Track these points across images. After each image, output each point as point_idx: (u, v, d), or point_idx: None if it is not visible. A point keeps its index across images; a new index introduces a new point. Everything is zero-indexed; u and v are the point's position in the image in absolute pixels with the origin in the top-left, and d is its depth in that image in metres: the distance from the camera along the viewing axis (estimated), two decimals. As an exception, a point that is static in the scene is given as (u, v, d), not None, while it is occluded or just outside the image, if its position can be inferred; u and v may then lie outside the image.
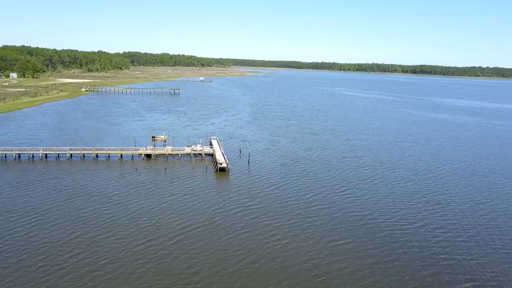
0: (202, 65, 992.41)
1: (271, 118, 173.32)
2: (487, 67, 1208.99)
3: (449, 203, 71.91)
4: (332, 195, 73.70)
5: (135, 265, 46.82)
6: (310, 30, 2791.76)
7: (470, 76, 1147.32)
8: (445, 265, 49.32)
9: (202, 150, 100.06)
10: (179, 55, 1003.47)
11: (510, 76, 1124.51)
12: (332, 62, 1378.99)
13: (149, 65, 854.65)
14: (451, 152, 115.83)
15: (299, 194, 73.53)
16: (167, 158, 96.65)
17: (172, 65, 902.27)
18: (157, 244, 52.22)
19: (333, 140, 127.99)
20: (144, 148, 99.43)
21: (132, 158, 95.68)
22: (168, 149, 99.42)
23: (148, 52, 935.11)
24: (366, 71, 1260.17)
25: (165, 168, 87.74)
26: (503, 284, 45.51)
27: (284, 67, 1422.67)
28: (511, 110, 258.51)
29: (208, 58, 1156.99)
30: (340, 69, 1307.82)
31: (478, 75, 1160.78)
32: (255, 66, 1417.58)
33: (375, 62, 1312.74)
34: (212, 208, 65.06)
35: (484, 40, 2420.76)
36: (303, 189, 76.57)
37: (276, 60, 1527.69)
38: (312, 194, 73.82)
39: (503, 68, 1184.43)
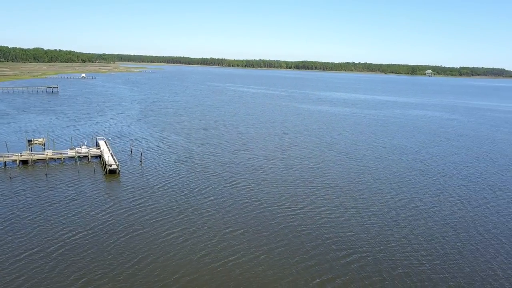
0: (83, 61, 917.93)
1: (162, 115, 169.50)
2: (359, 63, 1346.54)
3: (331, 186, 79.35)
4: (226, 187, 75.60)
5: (8, 282, 42.37)
6: (198, 26, 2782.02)
7: (345, 71, 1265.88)
8: (330, 242, 54.61)
9: (88, 152, 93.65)
10: (55, 50, 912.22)
11: (377, 71, 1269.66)
12: (221, 58, 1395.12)
13: (19, 61, 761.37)
14: (331, 140, 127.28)
15: (193, 189, 73.86)
16: (47, 163, 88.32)
17: (48, 61, 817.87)
18: (37, 256, 47.88)
19: (225, 134, 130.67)
20: (19, 154, 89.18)
21: (5, 166, 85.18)
22: (48, 153, 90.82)
23: (18, 46, 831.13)
24: (253, 67, 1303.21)
25: (46, 174, 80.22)
26: (378, 253, 52.22)
27: (173, 63, 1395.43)
28: (378, 100, 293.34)
29: (89, 53, 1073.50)
30: (229, 65, 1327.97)
31: (352, 70, 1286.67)
32: (143, 62, 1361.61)
33: (261, 58, 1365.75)
34: (102, 212, 61.76)
35: (356, 38, 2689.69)
36: (198, 184, 77.09)
37: (165, 56, 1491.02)
38: (207, 188, 74.78)
39: (371, 64, 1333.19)
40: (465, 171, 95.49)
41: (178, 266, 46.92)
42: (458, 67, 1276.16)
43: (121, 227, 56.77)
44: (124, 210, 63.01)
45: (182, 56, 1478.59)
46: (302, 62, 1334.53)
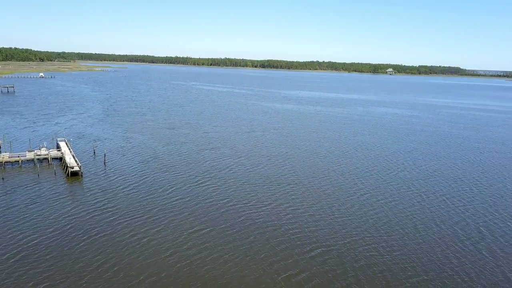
0: (42, 60, 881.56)
1: (126, 115, 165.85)
2: (323, 62, 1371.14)
3: (297, 182, 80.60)
4: (192, 187, 75.20)
5: (-31, 292, 40.51)
6: (162, 24, 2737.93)
7: (310, 69, 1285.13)
8: (295, 238, 55.57)
9: (48, 154, 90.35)
10: (10, 48, 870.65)
11: (341, 69, 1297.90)
12: (186, 56, 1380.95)
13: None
14: (296, 138, 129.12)
15: (159, 190, 72.97)
16: (3, 167, 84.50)
17: (3, 60, 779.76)
18: (-4, 263, 45.96)
19: (191, 133, 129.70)
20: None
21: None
22: (4, 156, 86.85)
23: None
24: (219, 65, 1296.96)
25: (2, 178, 76.79)
26: (341, 247, 53.67)
27: (137, 62, 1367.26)
28: (342, 98, 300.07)
29: (48, 52, 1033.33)
30: (194, 64, 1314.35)
31: (317, 69, 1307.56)
32: (105, 60, 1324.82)
33: (227, 57, 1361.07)
34: (63, 216, 59.93)
35: (320, 37, 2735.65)
36: (163, 184, 76.23)
37: (128, 54, 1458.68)
38: (173, 188, 74.10)
39: (335, 62, 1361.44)
40: (424, 165, 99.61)
41: (143, 267, 46.39)
42: (417, 65, 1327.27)
43: (83, 230, 55.35)
44: (86, 212, 61.44)
45: (145, 54, 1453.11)
46: (268, 61, 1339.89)
